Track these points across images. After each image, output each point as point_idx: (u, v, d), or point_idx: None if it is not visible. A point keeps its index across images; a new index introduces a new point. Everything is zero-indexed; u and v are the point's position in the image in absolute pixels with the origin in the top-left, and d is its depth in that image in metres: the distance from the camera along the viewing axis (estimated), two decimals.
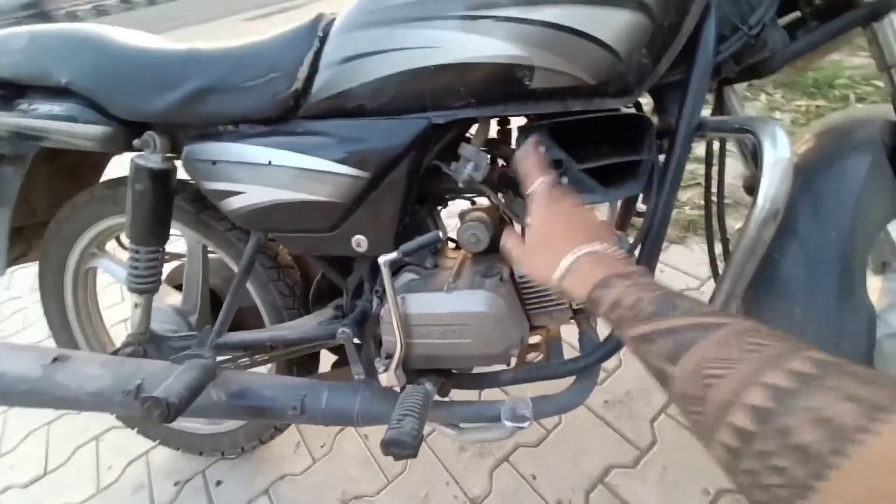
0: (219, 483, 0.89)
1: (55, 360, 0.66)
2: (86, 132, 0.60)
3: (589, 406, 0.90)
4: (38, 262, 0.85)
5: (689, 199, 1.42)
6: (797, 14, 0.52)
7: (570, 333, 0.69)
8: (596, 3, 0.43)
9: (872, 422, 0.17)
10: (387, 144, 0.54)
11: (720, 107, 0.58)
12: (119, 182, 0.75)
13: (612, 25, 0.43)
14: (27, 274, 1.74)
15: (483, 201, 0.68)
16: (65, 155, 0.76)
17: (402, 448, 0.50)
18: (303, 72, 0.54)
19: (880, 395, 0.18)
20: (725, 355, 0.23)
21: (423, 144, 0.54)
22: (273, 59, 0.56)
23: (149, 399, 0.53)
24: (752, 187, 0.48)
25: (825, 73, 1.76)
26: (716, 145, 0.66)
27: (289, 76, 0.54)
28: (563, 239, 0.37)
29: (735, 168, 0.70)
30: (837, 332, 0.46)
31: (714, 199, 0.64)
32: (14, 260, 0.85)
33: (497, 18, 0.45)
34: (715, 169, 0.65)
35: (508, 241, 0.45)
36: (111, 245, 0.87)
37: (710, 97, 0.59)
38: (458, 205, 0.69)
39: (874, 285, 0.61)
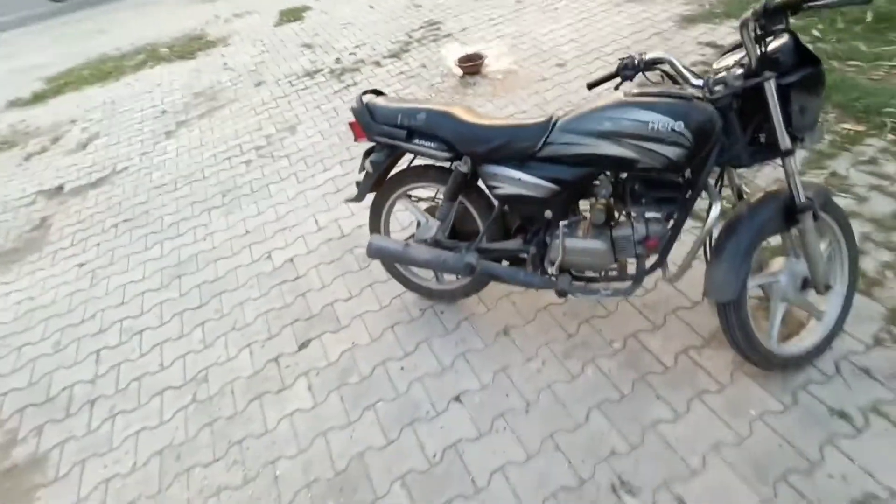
0: (442, 312, 1.86)
1: (406, 245, 1.59)
2: (439, 155, 1.45)
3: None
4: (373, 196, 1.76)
5: None
6: None
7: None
8: (662, 143, 1.17)
9: None
10: (569, 178, 1.34)
11: (720, 178, 1.31)
12: (425, 168, 1.61)
13: (671, 152, 1.18)
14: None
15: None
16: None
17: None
18: (541, 142, 1.33)
19: None
20: None
21: (586, 179, 1.34)
22: (529, 133, 1.34)
23: (469, 262, 1.43)
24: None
25: (876, 100, 2.20)
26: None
27: (534, 142, 1.34)
28: None
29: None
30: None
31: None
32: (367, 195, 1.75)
33: (622, 144, 1.21)
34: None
35: None
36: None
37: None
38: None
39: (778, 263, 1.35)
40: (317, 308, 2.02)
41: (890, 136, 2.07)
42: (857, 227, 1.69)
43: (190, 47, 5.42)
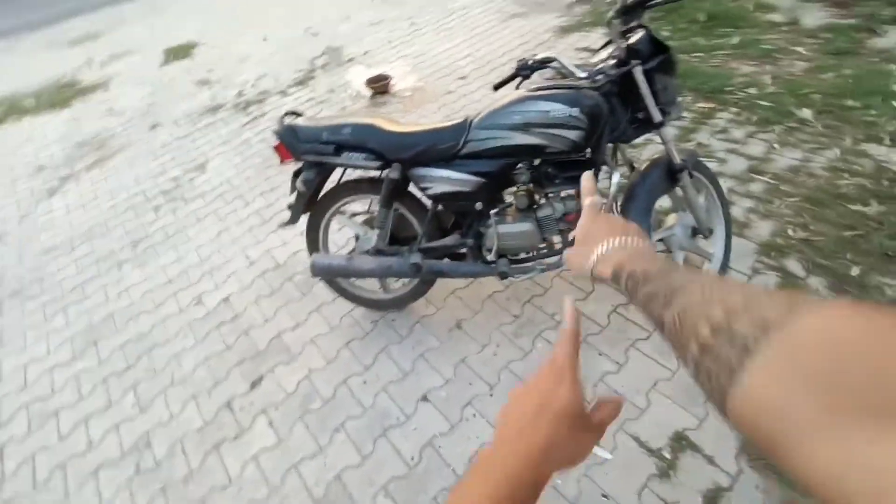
0: (393, 319, 1.89)
1: (349, 258, 1.61)
2: (369, 164, 1.51)
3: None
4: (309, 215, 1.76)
5: None
6: None
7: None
8: (564, 127, 1.36)
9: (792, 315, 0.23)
10: (491, 170, 1.47)
11: (614, 154, 1.53)
12: (356, 181, 1.66)
13: (572, 134, 1.37)
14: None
15: None
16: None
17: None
18: (462, 141, 1.45)
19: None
20: (703, 296, 0.30)
21: (507, 169, 1.48)
22: (449, 135, 1.46)
23: (415, 263, 1.49)
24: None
25: (720, 81, 2.69)
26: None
27: (455, 142, 1.46)
28: (598, 237, 0.46)
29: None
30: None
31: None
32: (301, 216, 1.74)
33: (531, 133, 1.37)
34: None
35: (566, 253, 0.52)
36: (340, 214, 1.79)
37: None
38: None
39: (672, 219, 1.60)
40: (263, 343, 1.94)
41: (733, 109, 2.53)
42: (723, 183, 2.05)
43: (61, 95, 4.89)
